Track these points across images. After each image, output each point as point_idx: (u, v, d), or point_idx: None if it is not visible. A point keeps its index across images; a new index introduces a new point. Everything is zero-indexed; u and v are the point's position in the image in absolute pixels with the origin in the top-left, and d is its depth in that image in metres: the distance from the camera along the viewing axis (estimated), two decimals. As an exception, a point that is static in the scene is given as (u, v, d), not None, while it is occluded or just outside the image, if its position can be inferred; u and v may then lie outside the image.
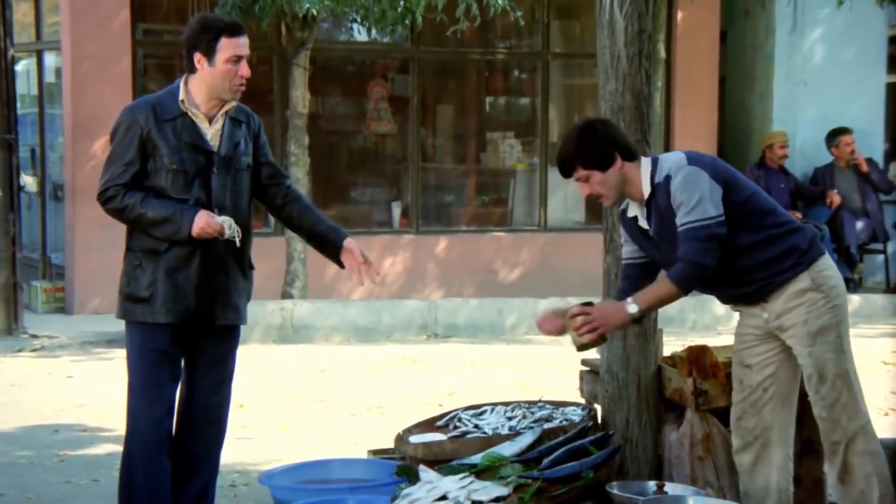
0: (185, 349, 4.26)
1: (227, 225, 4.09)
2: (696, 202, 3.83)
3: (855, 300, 10.19)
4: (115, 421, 6.35)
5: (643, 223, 4.05)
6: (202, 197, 4.12)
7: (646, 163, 4.00)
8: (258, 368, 7.94)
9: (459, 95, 11.96)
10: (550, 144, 11.32)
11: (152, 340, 4.16)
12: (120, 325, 4.34)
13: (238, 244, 4.15)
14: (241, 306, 4.28)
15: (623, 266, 4.25)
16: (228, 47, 4.07)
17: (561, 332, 4.09)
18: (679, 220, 3.86)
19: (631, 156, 3.99)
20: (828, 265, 4.03)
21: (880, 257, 11.27)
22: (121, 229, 4.26)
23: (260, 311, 8.89)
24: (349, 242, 4.27)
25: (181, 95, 4.15)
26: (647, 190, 3.97)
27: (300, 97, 9.58)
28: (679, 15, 11.26)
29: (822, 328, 3.95)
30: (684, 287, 3.87)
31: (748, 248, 3.94)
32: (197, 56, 4.11)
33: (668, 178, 3.91)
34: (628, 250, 4.18)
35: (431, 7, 8.76)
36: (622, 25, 4.52)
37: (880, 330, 9.67)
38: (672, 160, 3.97)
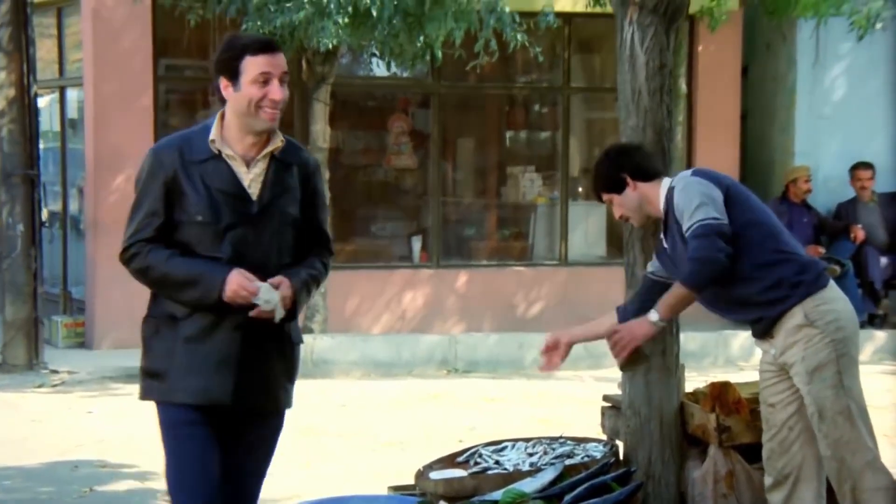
0: (220, 429, 3.54)
1: (263, 295, 3.39)
2: (698, 205, 3.91)
3: (880, 337, 10.11)
4: (135, 457, 6.34)
5: (665, 243, 4.15)
6: (235, 255, 3.45)
7: (665, 182, 4.13)
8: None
9: (480, 130, 11.99)
10: (571, 178, 11.32)
11: (176, 418, 3.49)
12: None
13: (277, 320, 3.45)
14: (276, 389, 3.57)
15: (642, 277, 4.37)
16: (253, 65, 3.41)
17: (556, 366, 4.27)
18: (684, 227, 3.93)
19: (646, 176, 4.14)
20: (825, 299, 3.97)
21: (905, 293, 11.18)
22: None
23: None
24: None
25: (213, 134, 3.49)
26: (662, 206, 4.10)
27: (320, 132, 9.63)
28: (700, 49, 11.27)
29: (819, 365, 3.92)
30: (694, 286, 3.90)
31: (740, 275, 3.94)
32: (223, 82, 3.47)
33: (671, 191, 4.04)
34: (652, 265, 4.30)
35: (450, 42, 8.80)
36: (643, 60, 4.54)
37: (905, 366, 9.59)
38: (681, 174, 4.13)
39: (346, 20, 8.55)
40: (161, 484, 5.94)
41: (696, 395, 4.68)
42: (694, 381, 5.09)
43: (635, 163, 4.16)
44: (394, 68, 9.98)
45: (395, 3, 8.57)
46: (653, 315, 3.97)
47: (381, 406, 8.14)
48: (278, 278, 3.44)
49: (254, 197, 3.48)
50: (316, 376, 9.07)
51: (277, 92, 3.43)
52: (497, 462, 4.73)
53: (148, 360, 3.54)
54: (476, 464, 4.75)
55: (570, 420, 6.97)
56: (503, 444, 4.93)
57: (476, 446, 4.96)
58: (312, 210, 3.62)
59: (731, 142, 11.40)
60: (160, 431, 3.55)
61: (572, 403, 7.83)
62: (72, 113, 11.09)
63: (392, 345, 9.56)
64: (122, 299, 9.24)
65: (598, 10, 9.36)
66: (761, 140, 11.88)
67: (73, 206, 10.99)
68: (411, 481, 4.80)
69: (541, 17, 9.09)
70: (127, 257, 3.52)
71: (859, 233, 10.74)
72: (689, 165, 11.12)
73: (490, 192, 11.78)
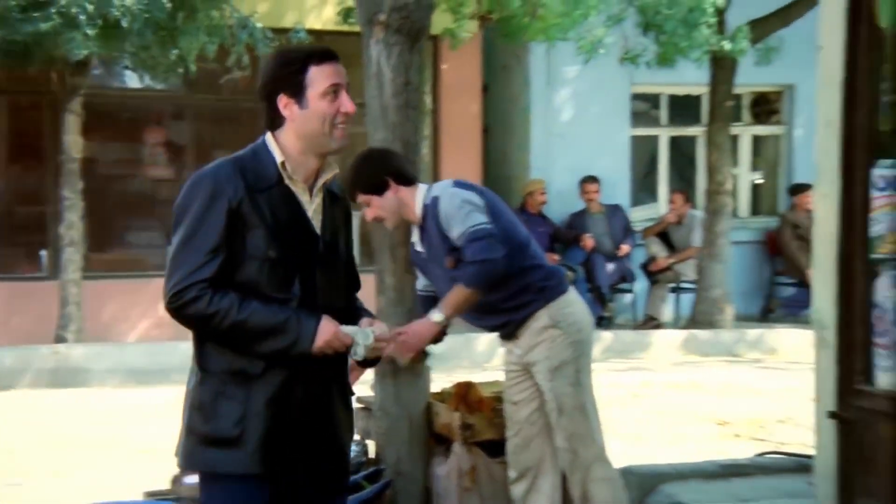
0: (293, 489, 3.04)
1: (361, 342, 3.04)
2: (467, 213, 4.03)
3: (607, 337, 10.75)
4: None
5: (419, 247, 4.28)
6: (305, 298, 2.97)
7: (422, 188, 4.22)
8: (29, 414, 7.77)
9: (234, 141, 11.88)
10: (324, 189, 11.55)
11: (252, 491, 2.95)
12: None
13: (365, 360, 3.14)
14: (349, 447, 3.16)
15: (416, 297, 4.51)
16: (321, 77, 2.97)
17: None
18: (455, 235, 4.03)
19: (406, 181, 4.18)
20: (567, 303, 4.25)
21: (629, 296, 11.94)
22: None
23: (32, 355, 8.73)
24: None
25: (278, 155, 2.98)
26: (419, 212, 4.18)
27: (73, 142, 9.51)
28: (443, 68, 11.71)
29: (561, 364, 4.19)
30: (476, 286, 3.97)
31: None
32: (283, 100, 2.97)
33: (435, 200, 4.13)
34: (420, 282, 4.44)
35: (203, 56, 8.90)
36: (389, 77, 4.70)
37: (630, 364, 10.19)
38: (441, 184, 4.24)
39: (96, 31, 8.51)
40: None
41: (442, 395, 4.90)
42: (441, 381, 5.27)
43: (397, 167, 4.20)
44: (148, 80, 9.95)
45: (147, 16, 8.57)
46: (436, 315, 3.99)
47: (137, 414, 8.08)
48: (368, 320, 3.14)
49: (318, 230, 3.03)
50: (71, 385, 8.92)
51: (350, 104, 3.02)
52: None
53: (213, 426, 2.95)
54: (234, 466, 4.88)
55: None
56: (260, 447, 5.07)
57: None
58: (350, 247, 3.20)
59: (473, 156, 11.87)
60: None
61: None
62: None
63: (148, 353, 9.50)
64: None
65: (346, 28, 9.67)
66: (501, 155, 12.43)
67: None
68: (167, 486, 4.86)
69: (292, 34, 9.29)
70: (184, 301, 2.88)
71: (588, 241, 11.41)
72: (435, 178, 11.59)
73: (246, 202, 11.86)
